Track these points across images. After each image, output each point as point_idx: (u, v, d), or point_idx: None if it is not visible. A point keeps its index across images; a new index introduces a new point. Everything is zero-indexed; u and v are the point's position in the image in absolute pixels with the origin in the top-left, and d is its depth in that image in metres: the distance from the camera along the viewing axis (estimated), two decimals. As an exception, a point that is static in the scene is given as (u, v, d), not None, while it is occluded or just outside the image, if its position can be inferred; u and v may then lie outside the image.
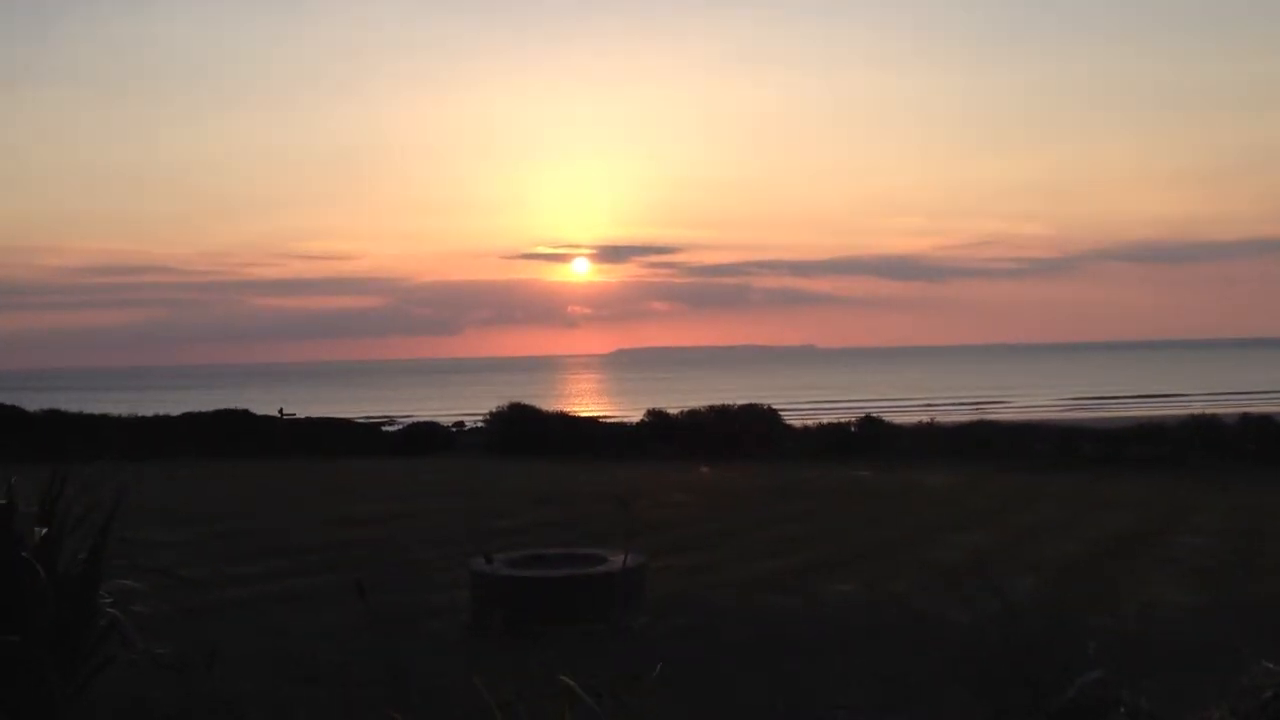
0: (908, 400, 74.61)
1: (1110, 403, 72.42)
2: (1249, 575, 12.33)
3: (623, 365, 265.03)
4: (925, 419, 34.13)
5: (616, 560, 10.06)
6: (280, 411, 36.03)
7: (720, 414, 32.59)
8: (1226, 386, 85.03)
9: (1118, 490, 21.69)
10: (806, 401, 69.16)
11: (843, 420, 33.19)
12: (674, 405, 35.60)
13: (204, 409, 35.52)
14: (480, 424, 35.89)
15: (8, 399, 33.75)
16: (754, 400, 34.87)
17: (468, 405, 62.04)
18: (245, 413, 35.07)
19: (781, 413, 34.18)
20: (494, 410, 34.28)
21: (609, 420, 39.34)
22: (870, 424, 32.26)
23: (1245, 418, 29.46)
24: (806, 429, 33.03)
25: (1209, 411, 30.75)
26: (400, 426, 38.19)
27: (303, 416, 37.22)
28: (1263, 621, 9.65)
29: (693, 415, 32.88)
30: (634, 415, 36.81)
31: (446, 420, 40.50)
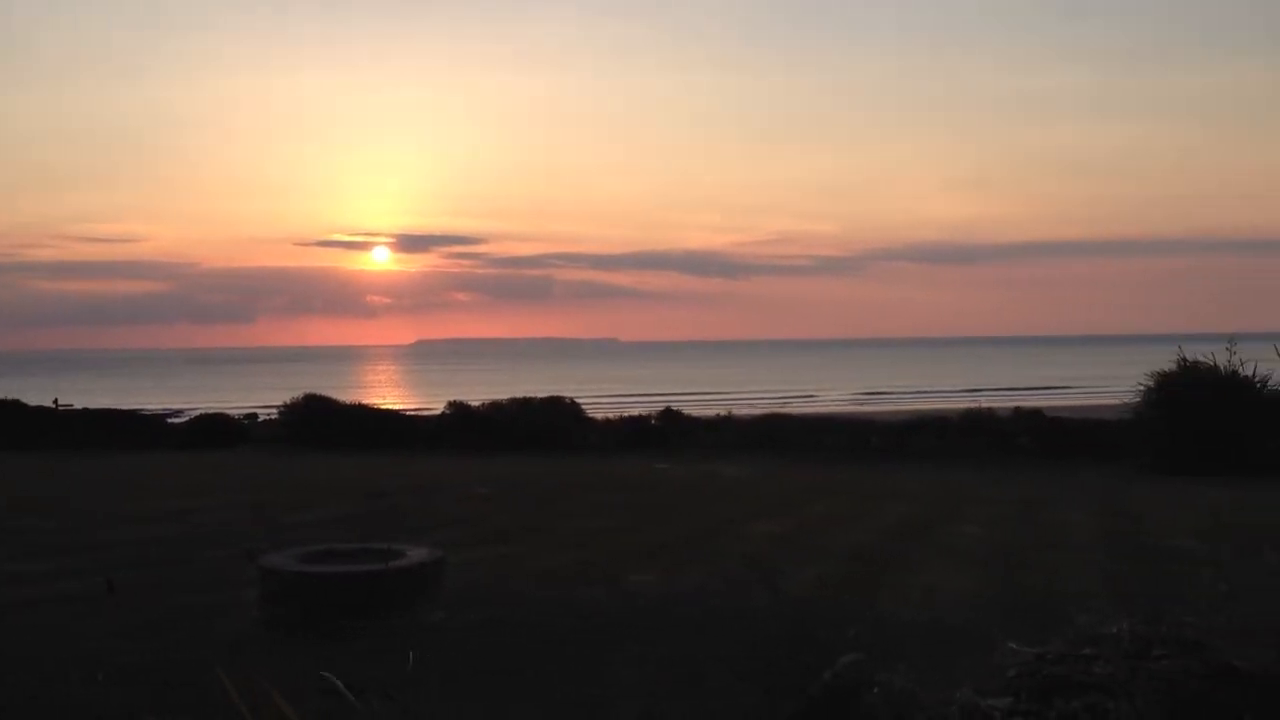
0: (707, 394, 76.19)
1: (897, 396, 75.72)
2: (1018, 563, 13.09)
3: (424, 356, 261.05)
4: (723, 412, 34.93)
5: (413, 554, 9.92)
6: (55, 402, 34.03)
7: (523, 406, 32.53)
8: (1002, 381, 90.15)
9: (903, 481, 22.68)
10: (608, 395, 69.75)
11: (643, 413, 33.63)
12: (476, 397, 35.30)
13: (-29, 399, 33.24)
14: (274, 416, 34.81)
15: None
16: (556, 393, 34.95)
17: (261, 397, 60.07)
18: (16, 403, 33.01)
19: (583, 405, 34.35)
20: (288, 402, 33.31)
21: (409, 412, 38.71)
22: (670, 417, 32.78)
23: (1018, 411, 31.32)
24: (608, 422, 33.30)
25: (986, 405, 32.50)
26: (187, 418, 36.61)
27: (81, 407, 35.26)
28: (1026, 606, 10.26)
29: (495, 407, 32.71)
30: (435, 407, 36.36)
31: (238, 412, 39.08)
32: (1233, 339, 24.25)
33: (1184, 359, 25.85)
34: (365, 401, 37.08)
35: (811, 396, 77.81)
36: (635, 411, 34.71)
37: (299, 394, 33.48)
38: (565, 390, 37.43)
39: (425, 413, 37.19)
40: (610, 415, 34.78)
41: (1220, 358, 24.45)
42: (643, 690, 7.53)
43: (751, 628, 9.09)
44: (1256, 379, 23.91)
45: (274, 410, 35.31)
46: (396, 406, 45.37)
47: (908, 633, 8.99)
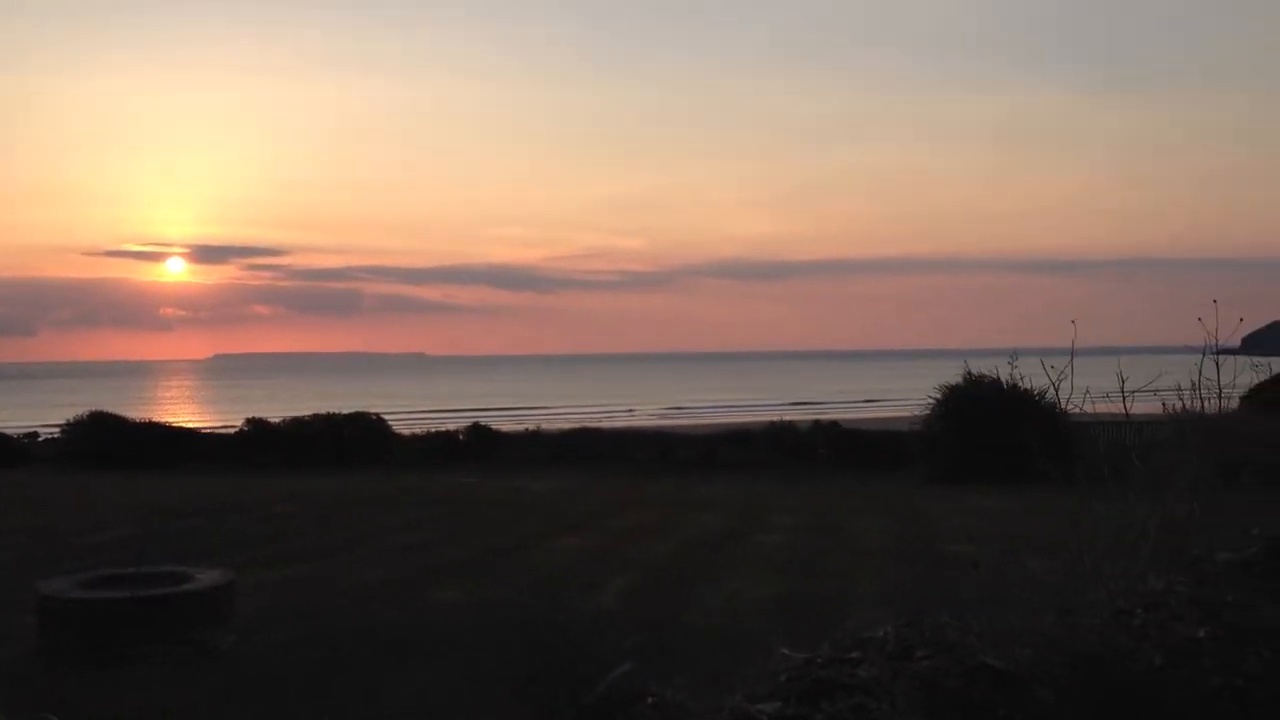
0: (516, 409, 75.89)
1: (705, 410, 77.12)
2: (814, 570, 13.50)
3: (221, 371, 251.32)
4: (532, 427, 34.88)
5: (203, 578, 9.53)
6: None
7: (326, 422, 31.71)
8: (805, 395, 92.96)
9: (709, 493, 23.10)
10: (416, 410, 68.61)
11: (452, 428, 33.27)
12: (277, 413, 34.23)
13: None
14: (56, 435, 32.93)
15: None
16: (362, 408, 34.24)
17: (43, 415, 56.66)
18: None
19: (391, 421, 33.76)
20: (72, 419, 31.57)
21: (206, 430, 37.20)
22: (479, 432, 32.53)
23: (818, 424, 32.37)
24: (415, 437, 32.84)
25: (787, 418, 33.46)
26: (-41, 438, 34.18)
27: None
28: (819, 612, 10.58)
29: (297, 424, 31.78)
30: (234, 424, 35.07)
31: (17, 431, 36.76)
32: (1015, 354, 25.58)
33: (970, 373, 27.23)
34: (157, 419, 35.46)
35: (621, 410, 78.46)
36: (444, 427, 34.32)
37: (84, 411, 31.78)
38: (372, 406, 36.68)
39: (223, 430, 35.83)
40: (418, 430, 34.29)
41: (1003, 372, 25.82)
42: (420, 710, 7.47)
43: (544, 642, 9.10)
44: (1035, 392, 25.32)
45: (57, 429, 33.42)
46: (192, 424, 43.46)
47: (702, 642, 9.16)
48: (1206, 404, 4.87)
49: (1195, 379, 4.24)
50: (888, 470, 27.53)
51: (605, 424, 43.02)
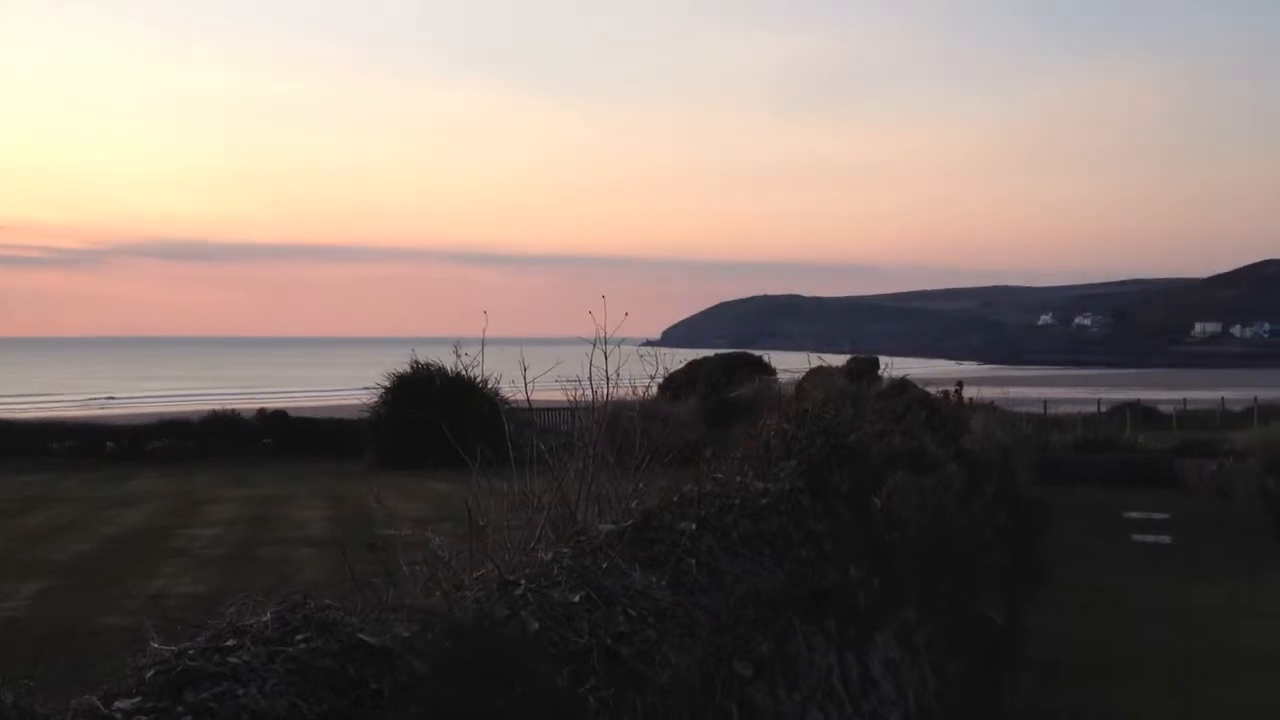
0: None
1: (139, 399, 71.81)
2: (251, 560, 13.14)
3: None
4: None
5: None
6: None
7: None
8: (249, 382, 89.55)
9: (141, 486, 21.70)
10: None
11: None
12: None
13: None
14: None
15: None
16: None
17: None
18: None
19: None
20: None
21: None
22: None
23: (262, 412, 31.44)
24: None
25: (230, 407, 32.14)
26: None
27: None
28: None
29: None
30: None
31: None
32: (459, 342, 26.46)
33: (417, 361, 27.81)
34: None
35: (42, 399, 70.92)
36: None
37: None
38: None
39: None
40: None
41: (449, 360, 26.64)
42: None
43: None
44: (479, 380, 26.33)
45: None
46: None
47: (118, 644, 8.60)
48: (610, 391, 5.36)
49: (588, 368, 4.67)
50: (337, 458, 27.38)
51: (22, 415, 38.90)
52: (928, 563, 7.39)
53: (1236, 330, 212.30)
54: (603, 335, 4.59)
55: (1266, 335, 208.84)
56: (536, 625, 2.97)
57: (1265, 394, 49.54)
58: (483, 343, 5.20)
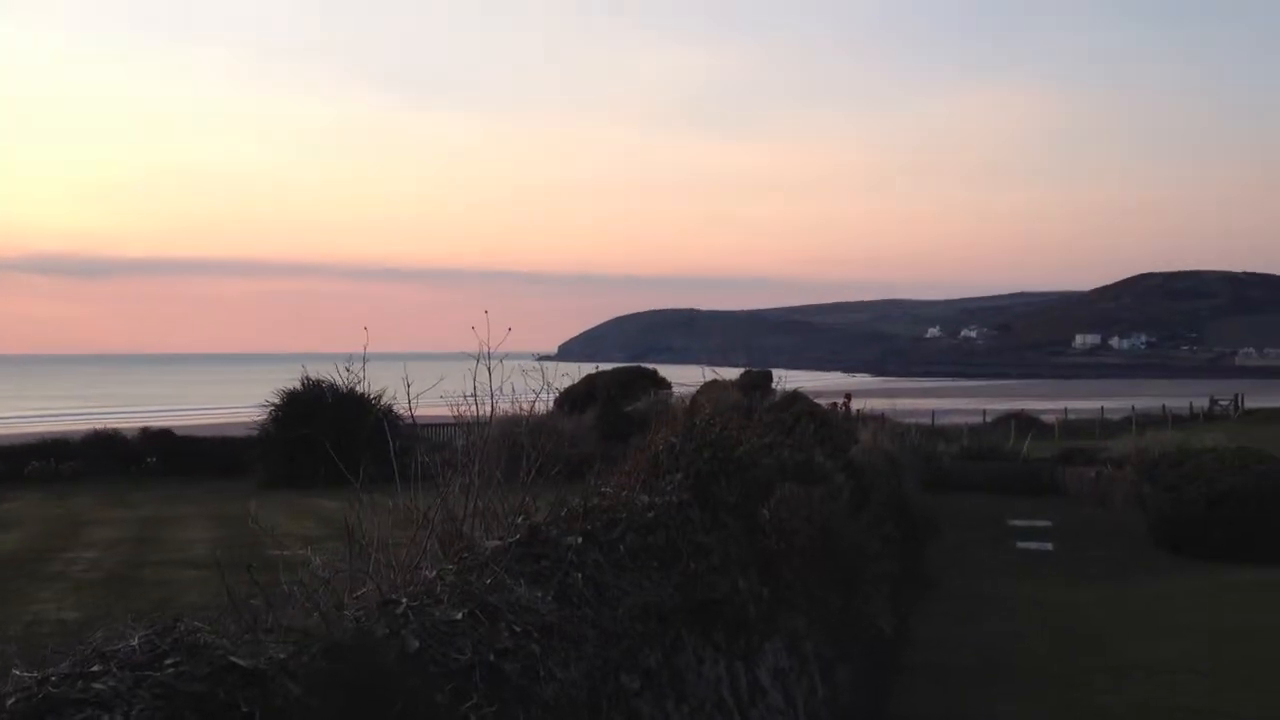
0: None
1: (15, 419, 69.17)
2: (133, 584, 12.76)
3: None
4: None
5: None
6: None
7: None
8: (131, 401, 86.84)
9: (17, 508, 20.96)
10: None
11: None
12: None
13: None
14: None
15: None
16: None
17: None
18: None
19: None
20: None
21: None
22: None
23: (146, 431, 30.57)
24: None
25: (112, 426, 31.17)
26: None
27: None
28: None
29: None
30: None
31: None
32: (351, 359, 26.08)
33: (308, 378, 27.32)
34: None
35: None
36: None
37: None
38: None
39: None
40: None
41: (341, 377, 26.24)
42: None
43: None
44: (371, 396, 25.97)
45: None
46: None
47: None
48: (497, 406, 5.35)
49: (474, 383, 4.66)
50: (224, 477, 26.74)
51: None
52: (816, 572, 7.52)
53: (1115, 342, 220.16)
54: (485, 350, 4.57)
55: (1143, 347, 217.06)
56: (417, 644, 2.96)
57: (1142, 404, 51.43)
58: (364, 359, 5.15)
